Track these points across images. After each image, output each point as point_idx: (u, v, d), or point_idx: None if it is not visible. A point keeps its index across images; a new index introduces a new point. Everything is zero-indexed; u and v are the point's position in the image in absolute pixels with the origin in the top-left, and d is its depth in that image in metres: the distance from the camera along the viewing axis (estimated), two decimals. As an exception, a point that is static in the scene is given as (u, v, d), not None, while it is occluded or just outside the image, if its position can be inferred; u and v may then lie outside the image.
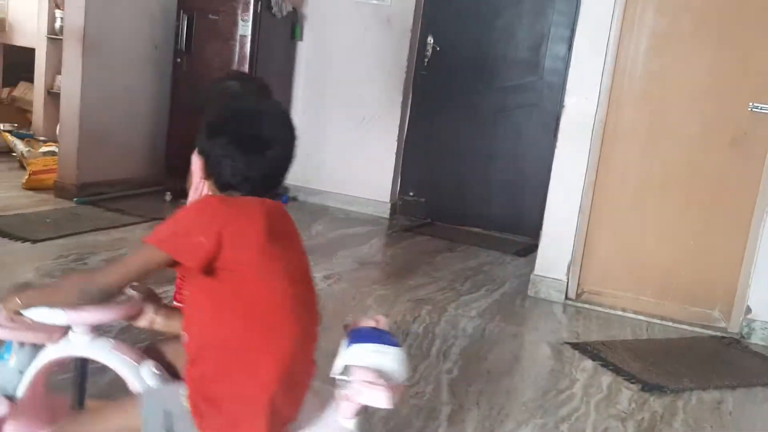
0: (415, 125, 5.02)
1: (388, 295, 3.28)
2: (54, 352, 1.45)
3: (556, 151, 3.52)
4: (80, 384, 1.57)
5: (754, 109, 3.17)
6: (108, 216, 4.03)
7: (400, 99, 4.89)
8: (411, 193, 5.10)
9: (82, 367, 1.55)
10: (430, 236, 4.60)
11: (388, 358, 1.26)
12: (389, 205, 4.98)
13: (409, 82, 4.93)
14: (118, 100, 4.47)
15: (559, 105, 4.46)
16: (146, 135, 4.74)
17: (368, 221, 4.79)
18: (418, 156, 5.05)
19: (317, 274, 3.41)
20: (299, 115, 5.12)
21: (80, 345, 1.43)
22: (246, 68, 4.46)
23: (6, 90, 6.16)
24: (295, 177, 5.18)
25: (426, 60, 4.91)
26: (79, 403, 1.58)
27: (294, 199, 5.09)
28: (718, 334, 3.28)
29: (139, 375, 1.41)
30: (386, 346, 1.28)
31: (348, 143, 5.01)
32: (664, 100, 3.35)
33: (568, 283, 3.49)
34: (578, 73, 3.46)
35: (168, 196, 4.63)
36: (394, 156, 4.97)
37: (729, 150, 3.26)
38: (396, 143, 4.96)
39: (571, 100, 3.47)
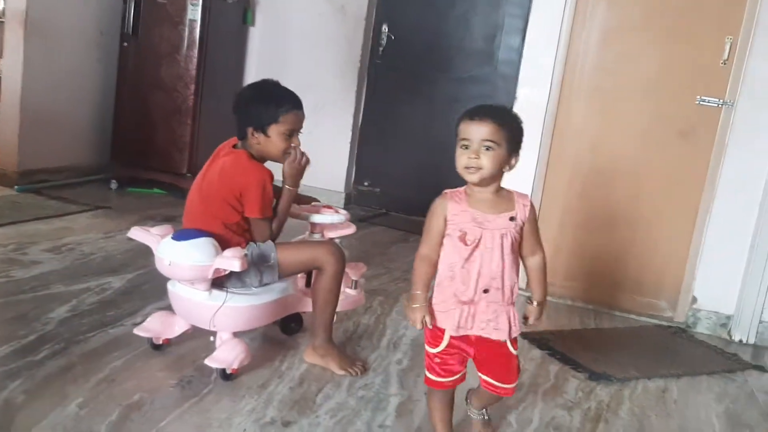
0: (370, 115, 4.98)
1: (339, 285, 3.23)
2: None
3: (509, 143, 3.52)
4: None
5: (701, 103, 3.22)
6: (50, 204, 3.90)
7: (355, 88, 4.85)
8: (366, 183, 5.07)
9: None
10: (384, 226, 4.58)
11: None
12: (344, 195, 4.94)
13: (363, 71, 4.89)
14: (62, 85, 4.32)
15: (513, 97, 4.49)
16: (91, 121, 4.59)
17: (321, 211, 4.73)
18: (373, 145, 5.02)
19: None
20: (252, 102, 5.03)
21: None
22: (195, 53, 4.36)
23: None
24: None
25: (381, 49, 4.88)
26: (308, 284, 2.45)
27: (246, 188, 5.00)
28: (665, 323, 3.34)
29: None
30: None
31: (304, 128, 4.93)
32: (615, 93, 3.38)
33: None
34: (530, 65, 3.48)
35: (114, 184, 4.51)
36: (349, 145, 4.93)
37: (677, 143, 3.31)
38: (350, 132, 4.91)
39: (523, 92, 3.48)
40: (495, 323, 1.73)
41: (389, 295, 3.18)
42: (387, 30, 4.84)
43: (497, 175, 1.72)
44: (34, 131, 4.16)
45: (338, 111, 4.89)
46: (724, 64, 3.18)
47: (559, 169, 3.44)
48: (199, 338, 2.33)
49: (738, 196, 3.19)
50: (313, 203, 2.56)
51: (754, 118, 3.13)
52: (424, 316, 1.73)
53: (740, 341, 3.19)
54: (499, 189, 1.75)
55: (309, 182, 4.90)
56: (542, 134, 3.41)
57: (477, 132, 1.70)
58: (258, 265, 2.18)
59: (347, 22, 4.78)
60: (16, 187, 4.08)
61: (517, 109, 3.43)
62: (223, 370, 2.13)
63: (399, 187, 5.00)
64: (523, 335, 2.89)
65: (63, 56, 4.31)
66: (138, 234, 2.17)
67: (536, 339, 2.86)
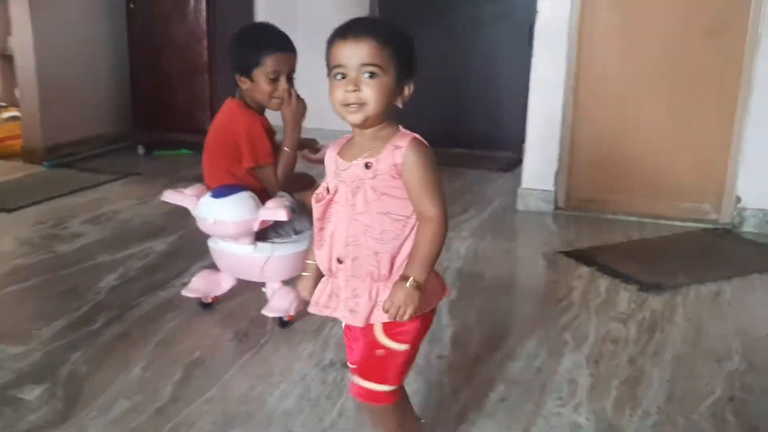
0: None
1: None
2: None
3: (533, 61, 3.43)
4: None
5: (730, -5, 3.08)
6: (82, 176, 3.92)
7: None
8: (389, 120, 5.00)
9: None
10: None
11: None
12: (368, 135, 4.88)
13: (375, 3, 4.75)
14: (74, 54, 4.28)
15: (531, 13, 4.34)
16: (109, 87, 4.56)
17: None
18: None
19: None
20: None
21: None
22: (203, 6, 4.27)
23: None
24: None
25: (390, -23, 4.73)
26: None
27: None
28: (710, 226, 3.28)
29: None
30: None
31: (316, 73, 4.84)
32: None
33: (556, 192, 3.46)
34: (548, -24, 3.34)
35: (141, 150, 4.51)
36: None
37: (708, 40, 3.18)
38: (367, 69, 4.82)
39: (544, 5, 3.36)
40: (353, 303, 1.29)
41: (428, 229, 3.16)
42: (394, -42, 4.68)
43: (385, 112, 1.25)
44: (54, 105, 4.15)
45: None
46: (754, -51, 3.02)
47: (589, 81, 3.35)
48: (246, 292, 2.35)
49: (776, 88, 3.07)
50: (320, 145, 2.48)
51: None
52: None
53: (789, 236, 3.14)
54: (385, 128, 1.27)
55: (326, 125, 4.92)
56: (568, 48, 3.30)
57: (355, 55, 1.23)
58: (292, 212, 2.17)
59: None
60: (44, 163, 4.10)
61: (540, 24, 3.36)
62: (281, 319, 2.15)
63: (422, 120, 4.88)
64: (567, 253, 2.87)
65: (71, 26, 4.26)
66: (172, 196, 2.17)
67: (582, 256, 2.84)
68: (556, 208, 3.47)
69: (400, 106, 1.28)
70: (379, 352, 1.31)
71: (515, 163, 4.32)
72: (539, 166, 3.46)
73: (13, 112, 4.65)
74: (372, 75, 1.23)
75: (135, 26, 4.41)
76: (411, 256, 1.25)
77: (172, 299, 2.37)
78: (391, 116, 1.27)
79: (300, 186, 2.31)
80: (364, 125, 1.25)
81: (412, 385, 1.87)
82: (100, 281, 2.50)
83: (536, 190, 3.48)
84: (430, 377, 1.93)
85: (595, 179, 3.44)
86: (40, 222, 3.15)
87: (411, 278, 1.22)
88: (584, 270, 2.72)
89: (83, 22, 4.35)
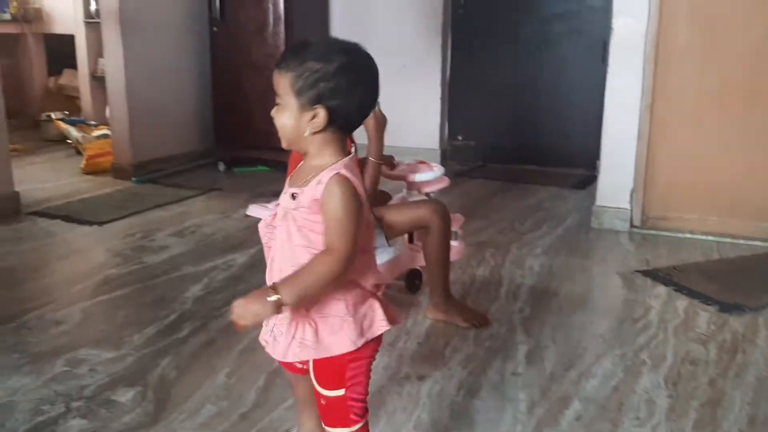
0: (458, 67, 4.92)
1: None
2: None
3: (608, 77, 3.41)
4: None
5: (817, 8, 2.99)
6: (167, 192, 4.11)
7: (440, 41, 4.80)
8: (460, 137, 5.04)
9: None
10: (483, 179, 4.55)
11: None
12: (439, 152, 4.93)
13: (447, 23, 4.82)
14: (161, 76, 4.51)
15: (604, 29, 4.31)
16: (193, 107, 4.78)
17: (420, 170, 4.75)
18: (463, 98, 4.97)
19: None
20: (339, 70, 5.07)
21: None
22: (282, 29, 4.43)
23: (52, 79, 6.28)
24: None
25: (461, -3, 4.79)
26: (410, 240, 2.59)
27: (344, 155, 5.09)
28: (795, 246, 3.17)
29: None
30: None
31: (391, 93, 4.87)
32: (719, 10, 3.18)
33: (632, 210, 3.41)
34: (624, -8, 3.32)
35: (221, 166, 4.69)
36: (439, 101, 4.90)
37: (793, 54, 3.09)
38: (440, 87, 4.88)
39: (619, 22, 3.34)
40: (277, 332, 1.24)
41: (499, 246, 3.18)
42: (467, -22, 4.74)
43: (306, 139, 1.18)
44: (142, 124, 4.38)
45: (426, 69, 4.86)
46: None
47: (667, 98, 3.29)
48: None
49: None
50: (397, 161, 2.56)
51: None
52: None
53: None
54: (324, 158, 1.19)
55: (402, 143, 5.00)
56: (644, 64, 3.27)
57: (276, 85, 1.21)
58: None
59: (425, -24, 4.72)
60: (133, 179, 4.32)
61: (615, 40, 3.34)
62: None
63: (494, 138, 4.94)
64: (644, 272, 2.83)
65: (159, 49, 4.49)
66: (256, 210, 2.27)
67: (659, 275, 2.79)
68: (632, 226, 3.42)
69: (307, 134, 1.17)
70: (322, 400, 1.27)
71: (588, 180, 4.29)
72: (614, 184, 3.43)
73: (104, 131, 4.93)
74: (277, 103, 1.19)
75: (217, 49, 4.61)
76: (293, 273, 1.14)
77: (253, 310, 2.46)
78: (338, 147, 1.20)
79: (376, 201, 2.38)
80: (293, 149, 1.22)
81: (486, 400, 1.90)
82: (186, 291, 2.62)
83: (611, 207, 3.45)
84: (505, 392, 1.94)
85: (672, 197, 3.38)
86: (130, 234, 3.33)
87: (277, 295, 1.11)
88: (661, 290, 2.67)
89: (170, 45, 4.58)
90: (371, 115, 2.18)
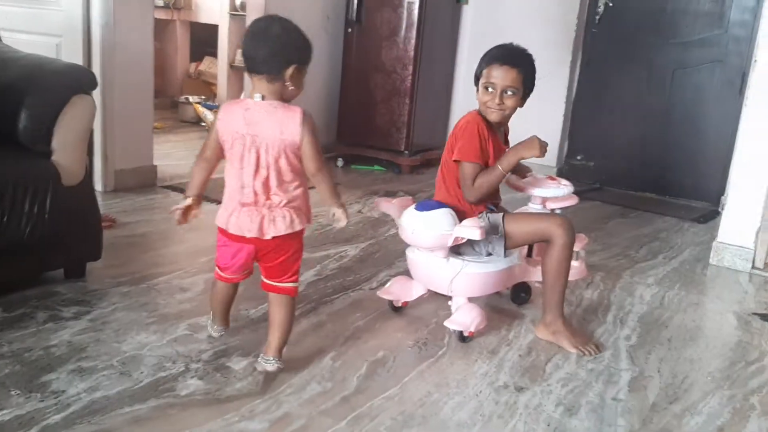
0: (585, 86, 4.86)
1: (558, 259, 3.24)
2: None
3: (744, 110, 3.28)
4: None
5: None
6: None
7: (569, 59, 4.75)
8: (579, 157, 4.97)
9: None
10: (599, 201, 4.46)
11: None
12: (555, 170, 4.88)
13: (579, 41, 4.77)
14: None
15: (746, 60, 4.14)
16: (320, 104, 4.95)
17: (535, 186, 4.72)
18: (586, 118, 4.90)
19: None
20: (463, 79, 5.13)
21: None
22: (414, 34, 4.53)
23: (193, 65, 6.69)
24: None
25: (598, 17, 4.72)
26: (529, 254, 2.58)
27: (459, 163, 5.13)
28: None
29: None
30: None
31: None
32: None
33: (755, 250, 3.26)
34: (773, 24, 3.18)
35: (340, 162, 4.85)
36: (562, 119, 4.86)
37: None
38: (564, 105, 4.84)
39: (763, 54, 3.20)
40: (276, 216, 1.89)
41: (610, 271, 3.13)
42: (605, -3, 4.67)
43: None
44: (271, 114, 4.58)
45: (551, 84, 4.80)
46: None
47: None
48: (432, 303, 2.49)
49: None
50: (528, 174, 2.58)
51: None
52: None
53: None
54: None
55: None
56: (787, 100, 3.12)
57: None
58: (488, 235, 2.27)
59: (562, -7, 4.69)
60: (257, 165, 4.53)
61: (757, 72, 3.21)
62: (461, 332, 2.26)
63: (615, 161, 4.83)
64: (763, 316, 2.71)
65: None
66: (382, 204, 2.38)
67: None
68: (753, 267, 3.27)
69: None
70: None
71: (711, 215, 4.14)
72: (740, 221, 3.29)
73: (235, 117, 5.19)
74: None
75: (350, 49, 4.76)
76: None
77: (361, 300, 2.56)
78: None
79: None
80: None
81: (584, 421, 1.89)
82: (301, 275, 2.75)
83: (733, 245, 3.31)
84: (604, 417, 1.93)
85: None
86: (251, 217, 3.50)
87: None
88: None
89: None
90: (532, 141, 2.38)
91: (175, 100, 6.23)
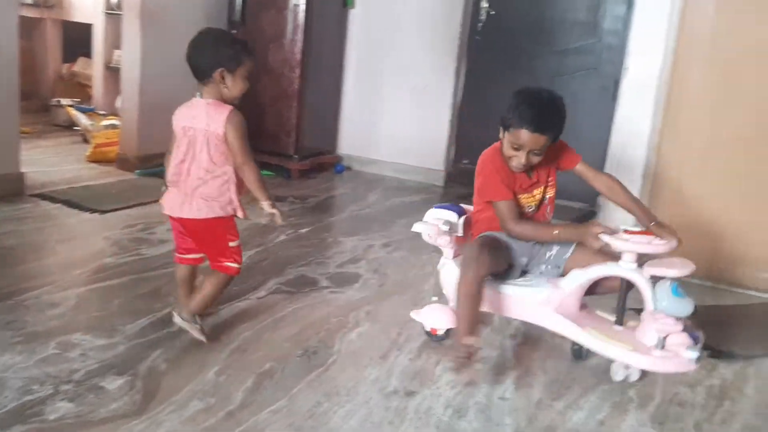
0: (470, 92, 4.96)
1: (447, 262, 3.28)
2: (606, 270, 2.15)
3: (616, 115, 3.46)
4: (623, 301, 2.21)
5: (830, 67, 3.03)
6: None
7: (454, 65, 4.84)
8: (465, 161, 5.06)
9: (626, 288, 2.18)
10: (486, 204, 4.57)
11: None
12: (443, 174, 4.96)
13: (463, 48, 4.86)
14: (176, 72, 4.47)
15: (618, 68, 4.36)
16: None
17: (423, 190, 4.79)
18: (472, 123, 5.00)
19: (376, 243, 3.43)
20: (351, 83, 5.12)
21: (627, 269, 2.10)
22: (300, 36, 4.47)
23: (66, 66, 6.31)
24: (349, 146, 5.20)
25: (480, 24, 4.84)
26: (618, 321, 2.24)
27: (349, 168, 5.11)
28: (789, 300, 3.18)
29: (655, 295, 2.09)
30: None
31: (402, 112, 4.99)
32: (735, 59, 3.22)
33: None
34: (641, 33, 3.37)
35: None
36: (448, 123, 4.94)
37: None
38: (450, 110, 4.92)
39: (633, 62, 3.38)
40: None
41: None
42: (487, 5, 4.79)
43: None
44: (152, 118, 4.38)
45: (438, 89, 4.90)
46: None
47: (674, 141, 3.33)
48: (323, 309, 2.44)
49: None
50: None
51: None
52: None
53: None
54: None
55: (410, 161, 5.03)
56: (655, 104, 3.31)
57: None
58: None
59: (446, 1, 4.77)
60: (137, 171, 4.33)
61: (628, 79, 3.39)
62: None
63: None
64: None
65: (176, 45, 4.42)
66: (421, 227, 2.39)
67: (652, 315, 2.80)
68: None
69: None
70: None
71: (589, 215, 4.32)
72: (614, 220, 3.44)
73: (112, 120, 4.94)
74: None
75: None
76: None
77: (247, 310, 2.47)
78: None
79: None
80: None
81: (473, 422, 1.90)
82: (183, 286, 2.63)
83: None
84: (491, 416, 1.95)
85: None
86: (130, 225, 3.33)
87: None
88: (654, 329, 2.68)
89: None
90: None
91: (47, 104, 5.86)
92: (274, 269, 2.91)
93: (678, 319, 2.07)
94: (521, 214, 2.25)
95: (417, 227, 2.35)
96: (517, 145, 2.14)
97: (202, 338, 2.19)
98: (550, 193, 2.37)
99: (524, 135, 2.11)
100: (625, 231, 2.12)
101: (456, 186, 4.92)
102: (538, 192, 2.32)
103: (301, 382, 2.02)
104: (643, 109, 3.35)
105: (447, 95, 4.89)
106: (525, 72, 4.78)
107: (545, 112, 2.13)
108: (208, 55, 2.09)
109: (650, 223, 2.16)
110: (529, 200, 2.30)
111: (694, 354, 2.03)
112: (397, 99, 4.97)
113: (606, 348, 2.13)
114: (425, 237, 2.33)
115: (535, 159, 2.17)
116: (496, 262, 2.19)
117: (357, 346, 2.30)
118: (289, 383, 2.01)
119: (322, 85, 4.86)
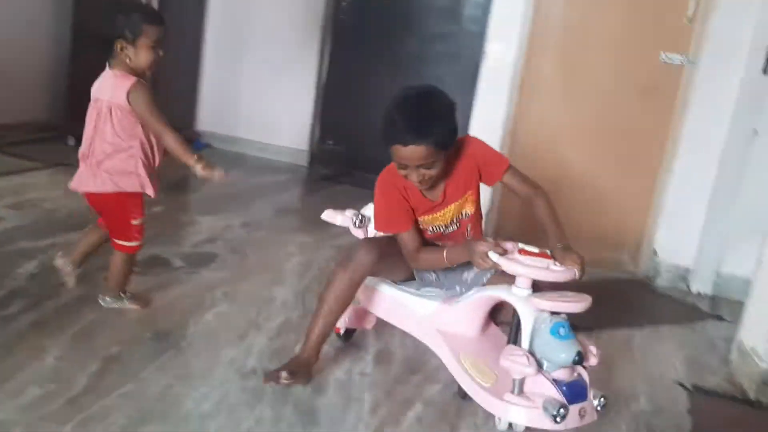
0: (333, 72, 4.91)
1: (309, 242, 3.24)
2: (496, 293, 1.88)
3: (476, 100, 3.54)
4: (514, 329, 1.82)
5: (665, 60, 3.28)
6: (8, 161, 3.79)
7: (317, 45, 4.78)
8: (329, 142, 5.03)
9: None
10: (349, 185, 4.57)
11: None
12: (307, 154, 4.91)
13: (327, 27, 4.81)
14: (11, 35, 4.14)
15: (478, 54, 4.48)
16: (45, 73, 4.43)
17: (286, 169, 4.71)
18: (336, 104, 4.96)
19: (235, 222, 3.33)
20: (211, 59, 4.93)
21: (516, 295, 1.80)
22: (156, 2, 4.22)
23: None
24: (209, 123, 5.01)
25: (344, 4, 4.80)
26: (514, 341, 1.83)
27: (208, 146, 4.93)
28: (627, 276, 3.43)
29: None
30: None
31: (263, 89, 4.86)
32: (580, 49, 3.42)
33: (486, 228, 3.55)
34: (499, 21, 3.47)
35: (71, 141, 4.37)
36: (312, 103, 4.88)
37: (641, 99, 3.38)
38: (314, 90, 4.86)
39: (492, 48, 3.49)
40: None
41: (359, 251, 3.19)
42: (351, -15, 4.77)
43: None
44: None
45: (301, 69, 4.82)
46: (689, 21, 3.24)
47: (527, 126, 3.49)
48: (182, 287, 2.33)
49: (698, 153, 3.27)
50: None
51: (717, 76, 3.19)
52: None
53: (698, 293, 3.31)
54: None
55: (272, 140, 4.93)
56: (510, 90, 3.43)
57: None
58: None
59: (311, -23, 4.70)
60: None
61: (487, 65, 3.48)
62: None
63: (364, 146, 4.96)
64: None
65: (14, 8, 4.13)
66: (331, 216, 2.24)
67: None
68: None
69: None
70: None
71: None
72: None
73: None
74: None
75: (81, 14, 4.30)
76: None
77: (92, 292, 2.30)
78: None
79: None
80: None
81: (332, 398, 1.89)
82: (19, 267, 2.41)
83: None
84: (351, 392, 1.94)
85: (529, 220, 3.55)
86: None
87: None
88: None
89: (27, 6, 4.23)
90: None
91: None
92: (125, 249, 2.74)
93: (564, 365, 1.75)
94: (434, 237, 2.02)
95: (327, 215, 2.22)
96: (400, 163, 1.84)
97: (137, 306, 2.22)
98: (469, 208, 2.02)
99: (400, 151, 1.80)
100: (521, 251, 1.81)
101: (320, 166, 4.88)
102: (447, 211, 2.00)
103: (150, 366, 1.91)
104: (500, 95, 3.46)
105: (311, 74, 4.82)
106: (388, 55, 4.81)
107: (415, 119, 1.80)
108: (107, 26, 2.06)
109: (557, 244, 1.83)
110: (437, 221, 2.00)
111: (553, 411, 1.69)
112: (259, 76, 4.84)
113: (463, 380, 1.88)
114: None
115: (430, 172, 1.84)
116: (387, 271, 2.01)
117: (213, 326, 2.22)
118: (138, 367, 1.89)
119: (177, 59, 4.63)
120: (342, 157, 4.99)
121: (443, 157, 1.85)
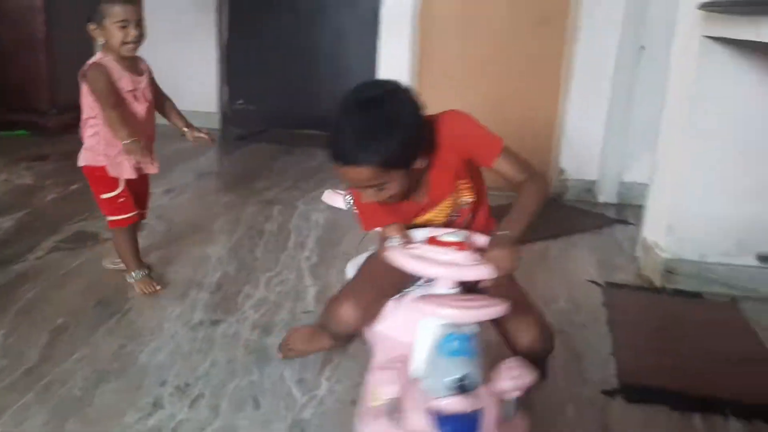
0: (237, 30, 4.88)
1: (234, 200, 3.30)
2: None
3: (379, 45, 3.63)
4: None
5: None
6: None
7: (214, 4, 4.72)
8: (240, 102, 5.02)
9: None
10: (265, 143, 4.61)
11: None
12: (219, 116, 4.89)
13: (223, -13, 4.76)
14: None
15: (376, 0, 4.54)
16: None
17: (200, 134, 4.67)
18: (241, 63, 4.94)
19: (156, 190, 3.33)
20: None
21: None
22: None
23: None
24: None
25: (237, -39, 4.75)
26: None
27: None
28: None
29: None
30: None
31: (165, 54, 4.75)
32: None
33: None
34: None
35: None
36: (217, 63, 4.84)
37: (537, 29, 3.55)
38: (217, 50, 4.82)
39: (388, -8, 3.57)
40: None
41: (286, 203, 3.28)
42: (242, -60, 4.71)
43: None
44: None
45: (201, 31, 4.76)
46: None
47: (432, 64, 3.61)
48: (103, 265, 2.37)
49: (593, 74, 3.49)
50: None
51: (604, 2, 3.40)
52: None
53: (605, 203, 3.57)
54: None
55: (181, 105, 4.84)
56: (412, 32, 3.54)
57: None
58: None
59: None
60: None
61: (385, 10, 3.57)
62: None
63: (275, 103, 4.99)
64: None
65: None
66: (331, 198, 1.86)
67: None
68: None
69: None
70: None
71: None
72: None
73: None
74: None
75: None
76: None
77: (26, 272, 2.32)
78: None
79: None
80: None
81: (279, 336, 1.99)
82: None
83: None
84: (297, 329, 2.05)
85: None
86: None
87: None
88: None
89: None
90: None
91: None
92: (49, 228, 2.72)
93: (447, 390, 1.26)
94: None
95: (327, 197, 1.86)
96: (352, 185, 1.44)
97: (140, 289, 2.22)
98: (467, 196, 1.62)
99: (342, 171, 1.38)
100: (432, 239, 1.43)
101: (233, 127, 4.87)
102: (440, 210, 1.61)
103: (99, 330, 1.97)
104: (403, 37, 3.56)
105: (210, 33, 4.77)
106: (290, 7, 4.81)
107: (353, 135, 1.36)
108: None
109: (499, 231, 1.42)
110: (434, 220, 1.61)
111: None
112: (158, 41, 4.72)
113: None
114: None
115: (387, 191, 1.41)
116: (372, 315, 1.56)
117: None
118: (88, 333, 1.94)
119: (74, 30, 4.48)
120: (255, 116, 5.00)
121: (403, 173, 1.40)
